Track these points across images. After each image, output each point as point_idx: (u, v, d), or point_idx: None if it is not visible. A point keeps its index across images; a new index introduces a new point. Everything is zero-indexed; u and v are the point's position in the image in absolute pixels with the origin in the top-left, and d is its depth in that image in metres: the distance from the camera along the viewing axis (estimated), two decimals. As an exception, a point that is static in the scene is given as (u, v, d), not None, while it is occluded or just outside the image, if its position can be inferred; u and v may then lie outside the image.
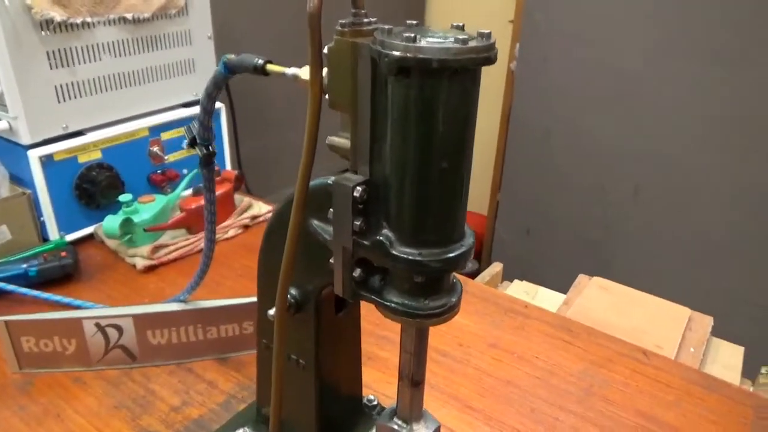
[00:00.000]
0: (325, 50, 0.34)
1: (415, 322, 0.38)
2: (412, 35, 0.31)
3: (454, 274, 0.39)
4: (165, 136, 0.98)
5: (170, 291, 0.80)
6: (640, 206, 1.68)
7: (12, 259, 0.81)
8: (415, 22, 0.34)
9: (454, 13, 2.29)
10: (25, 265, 0.79)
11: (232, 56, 0.42)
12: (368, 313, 0.49)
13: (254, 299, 0.68)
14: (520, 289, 1.03)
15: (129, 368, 0.68)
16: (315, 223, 0.40)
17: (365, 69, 0.33)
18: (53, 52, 0.82)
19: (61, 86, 0.84)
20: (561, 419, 0.62)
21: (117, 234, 0.85)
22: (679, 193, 1.60)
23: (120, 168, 0.92)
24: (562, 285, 1.05)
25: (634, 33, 1.56)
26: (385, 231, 0.36)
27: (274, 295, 0.41)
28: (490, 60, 0.32)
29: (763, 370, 0.89)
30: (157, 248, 0.87)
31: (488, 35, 0.32)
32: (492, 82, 2.04)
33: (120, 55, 0.90)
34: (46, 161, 0.84)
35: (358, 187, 0.35)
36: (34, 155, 0.83)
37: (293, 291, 0.43)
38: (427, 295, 0.37)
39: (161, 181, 0.98)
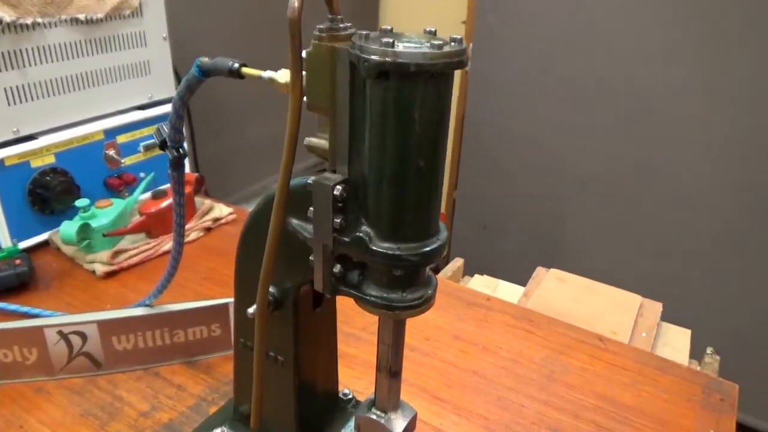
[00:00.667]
0: (304, 54, 0.35)
1: (394, 314, 0.40)
2: (390, 40, 0.32)
3: (429, 267, 0.41)
4: (121, 139, 0.96)
5: (132, 296, 0.78)
6: (587, 199, 1.75)
7: (-37, 268, 0.78)
8: (389, 27, 0.35)
9: (407, 14, 2.32)
10: (-23, 275, 0.76)
11: (206, 59, 0.42)
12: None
13: (222, 301, 0.68)
14: (481, 283, 1.06)
15: (94, 375, 0.66)
16: (294, 221, 0.41)
17: (344, 73, 0.35)
18: (2, 53, 0.79)
19: (11, 88, 0.81)
20: (526, 405, 0.65)
21: (74, 240, 0.83)
22: (625, 185, 1.68)
23: (75, 172, 0.89)
24: (519, 277, 1.09)
25: (583, 33, 1.62)
26: (364, 227, 0.37)
27: (253, 294, 0.41)
28: (463, 64, 0.34)
29: (709, 350, 0.95)
30: (117, 253, 0.86)
31: (460, 40, 0.34)
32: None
33: (73, 57, 0.87)
34: (-3, 166, 0.81)
35: (338, 186, 0.36)
36: (-17, 161, 0.80)
37: (272, 289, 0.44)
38: (405, 288, 0.39)
39: (118, 185, 0.96)
